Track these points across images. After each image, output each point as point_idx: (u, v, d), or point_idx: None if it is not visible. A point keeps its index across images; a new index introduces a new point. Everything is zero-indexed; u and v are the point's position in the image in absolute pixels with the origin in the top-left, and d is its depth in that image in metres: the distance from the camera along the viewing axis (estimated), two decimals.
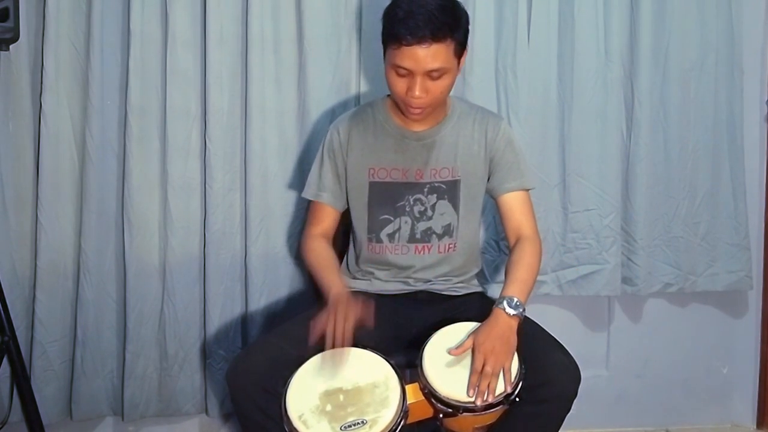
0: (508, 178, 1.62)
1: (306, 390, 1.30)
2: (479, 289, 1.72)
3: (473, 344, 1.35)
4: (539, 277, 1.99)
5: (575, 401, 1.39)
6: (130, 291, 1.86)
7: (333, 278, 1.52)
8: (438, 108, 1.57)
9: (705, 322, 2.20)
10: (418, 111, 1.50)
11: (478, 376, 1.31)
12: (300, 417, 1.25)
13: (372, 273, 1.67)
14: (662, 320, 2.19)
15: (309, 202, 1.70)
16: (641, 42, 1.98)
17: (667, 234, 2.06)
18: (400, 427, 1.27)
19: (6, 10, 1.58)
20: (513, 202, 1.61)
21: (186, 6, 1.83)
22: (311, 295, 1.92)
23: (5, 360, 1.66)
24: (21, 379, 1.69)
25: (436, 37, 1.39)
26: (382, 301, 1.62)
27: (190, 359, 1.92)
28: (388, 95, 1.64)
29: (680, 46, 2.02)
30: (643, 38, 1.98)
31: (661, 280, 2.07)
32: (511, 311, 1.39)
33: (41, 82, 1.80)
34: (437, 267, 1.64)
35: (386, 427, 1.24)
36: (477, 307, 1.57)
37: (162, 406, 1.93)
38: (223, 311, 1.90)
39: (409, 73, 1.43)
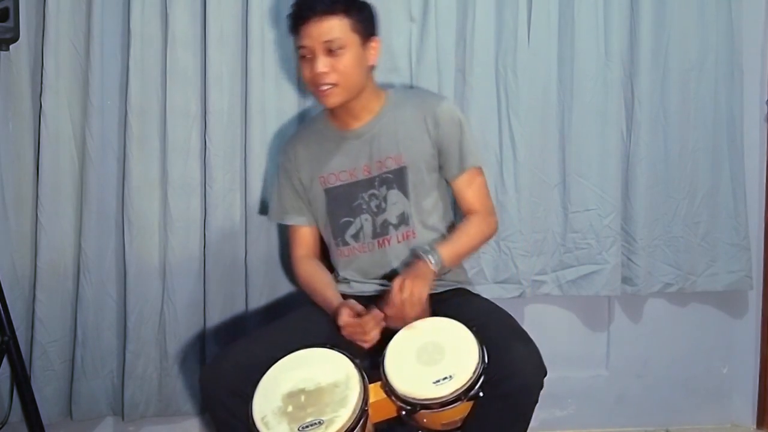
0: (455, 162, 1.65)
1: (271, 392, 1.31)
2: (460, 286, 1.70)
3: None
4: (539, 277, 2.02)
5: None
6: (130, 291, 1.86)
7: (327, 295, 1.57)
8: (353, 91, 1.58)
9: (705, 322, 2.20)
10: (326, 88, 1.54)
11: (395, 304, 1.42)
12: (263, 419, 1.27)
13: (348, 278, 1.69)
14: (662, 320, 2.19)
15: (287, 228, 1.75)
16: (641, 42, 1.98)
17: (667, 234, 2.06)
18: (358, 426, 1.26)
19: (6, 10, 1.58)
20: (462, 185, 1.67)
21: (186, 6, 1.83)
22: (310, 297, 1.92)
23: (5, 360, 1.66)
24: (21, 379, 1.69)
25: (325, 10, 1.50)
26: (360, 303, 1.61)
27: (190, 359, 1.92)
28: None
29: (680, 46, 2.01)
30: (643, 38, 1.98)
31: (661, 280, 2.06)
32: (433, 265, 1.51)
33: (41, 82, 1.80)
34: (401, 258, 1.64)
35: (342, 426, 1.24)
36: (455, 304, 1.56)
37: (162, 406, 1.92)
38: (223, 311, 1.90)
39: (311, 53, 1.52)
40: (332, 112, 1.66)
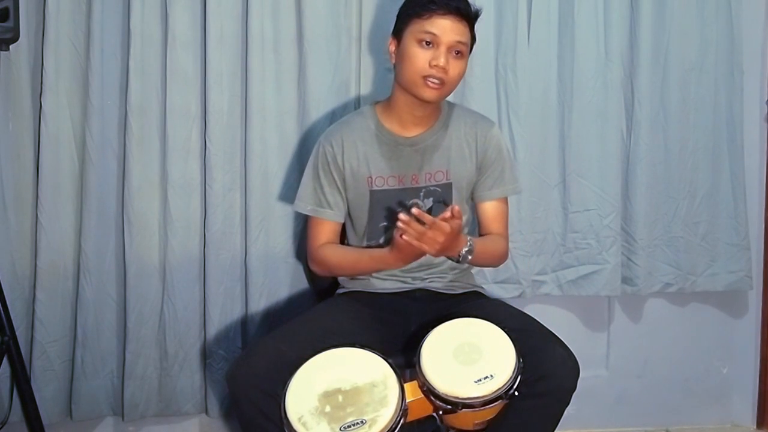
0: (492, 185, 1.66)
1: (305, 391, 1.30)
2: (477, 288, 1.73)
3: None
4: (539, 277, 2.02)
5: (575, 401, 1.39)
6: (130, 291, 1.86)
7: (373, 254, 1.55)
8: (446, 97, 1.60)
9: (705, 322, 2.21)
10: (437, 83, 1.51)
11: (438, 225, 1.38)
12: (300, 419, 1.25)
13: (371, 275, 1.67)
14: (662, 320, 2.19)
15: (307, 217, 1.69)
16: (641, 42, 1.99)
17: (667, 234, 2.06)
18: (399, 426, 1.27)
19: (6, 10, 1.58)
20: (493, 211, 1.67)
21: (186, 6, 1.83)
22: (311, 295, 1.93)
23: (5, 360, 1.66)
24: (21, 379, 1.69)
25: (465, 14, 1.52)
26: (380, 300, 1.64)
27: (190, 359, 1.92)
28: (376, 103, 1.67)
29: (680, 46, 2.02)
30: (643, 38, 1.98)
31: (661, 280, 2.07)
32: (465, 251, 1.50)
33: (41, 82, 1.80)
34: (431, 267, 1.66)
35: (385, 426, 1.24)
36: (475, 305, 1.58)
37: (162, 406, 1.93)
38: (223, 311, 1.90)
39: (435, 45, 1.50)
40: (388, 115, 1.63)
